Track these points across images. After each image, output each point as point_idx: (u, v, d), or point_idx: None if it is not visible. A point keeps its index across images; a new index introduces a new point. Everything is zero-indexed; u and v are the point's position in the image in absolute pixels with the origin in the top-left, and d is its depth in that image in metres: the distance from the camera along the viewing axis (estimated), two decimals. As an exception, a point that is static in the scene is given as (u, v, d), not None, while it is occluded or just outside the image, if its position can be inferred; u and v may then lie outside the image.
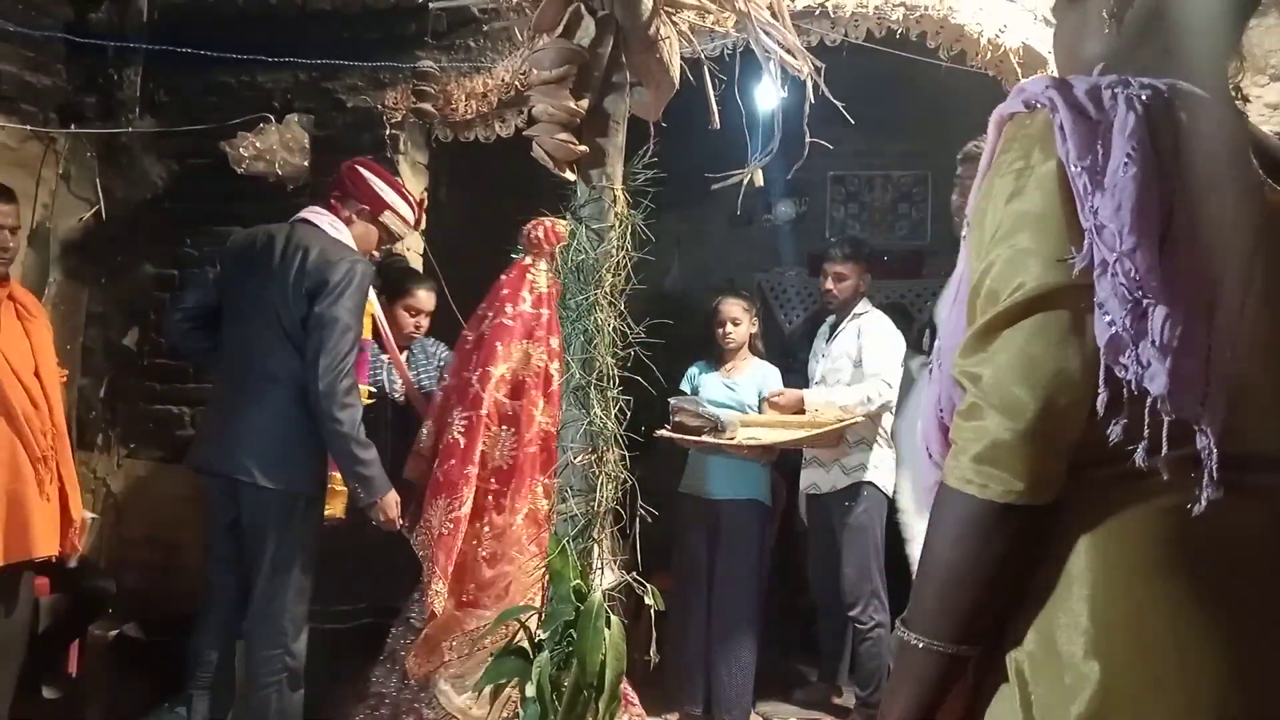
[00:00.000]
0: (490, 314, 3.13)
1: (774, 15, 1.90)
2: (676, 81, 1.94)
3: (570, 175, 1.89)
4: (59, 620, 3.69)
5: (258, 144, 4.04)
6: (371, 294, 3.41)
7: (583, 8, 1.84)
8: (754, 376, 4.01)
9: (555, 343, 2.98)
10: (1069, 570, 1.01)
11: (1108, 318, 0.96)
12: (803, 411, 3.91)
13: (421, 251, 4.09)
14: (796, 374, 4.33)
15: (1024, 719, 1.00)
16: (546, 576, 1.91)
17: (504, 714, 2.17)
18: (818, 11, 3.41)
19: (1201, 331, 0.97)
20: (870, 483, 3.90)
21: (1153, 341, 0.95)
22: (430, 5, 4.05)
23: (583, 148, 1.85)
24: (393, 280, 3.66)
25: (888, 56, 3.52)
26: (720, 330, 4.00)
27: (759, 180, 2.06)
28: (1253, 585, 1.01)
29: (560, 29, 1.84)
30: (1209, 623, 0.97)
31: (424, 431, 3.21)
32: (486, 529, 3.00)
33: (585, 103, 1.85)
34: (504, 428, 3.04)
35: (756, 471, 3.92)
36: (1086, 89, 1.02)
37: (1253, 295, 1.01)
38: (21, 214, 3.27)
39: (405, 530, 3.06)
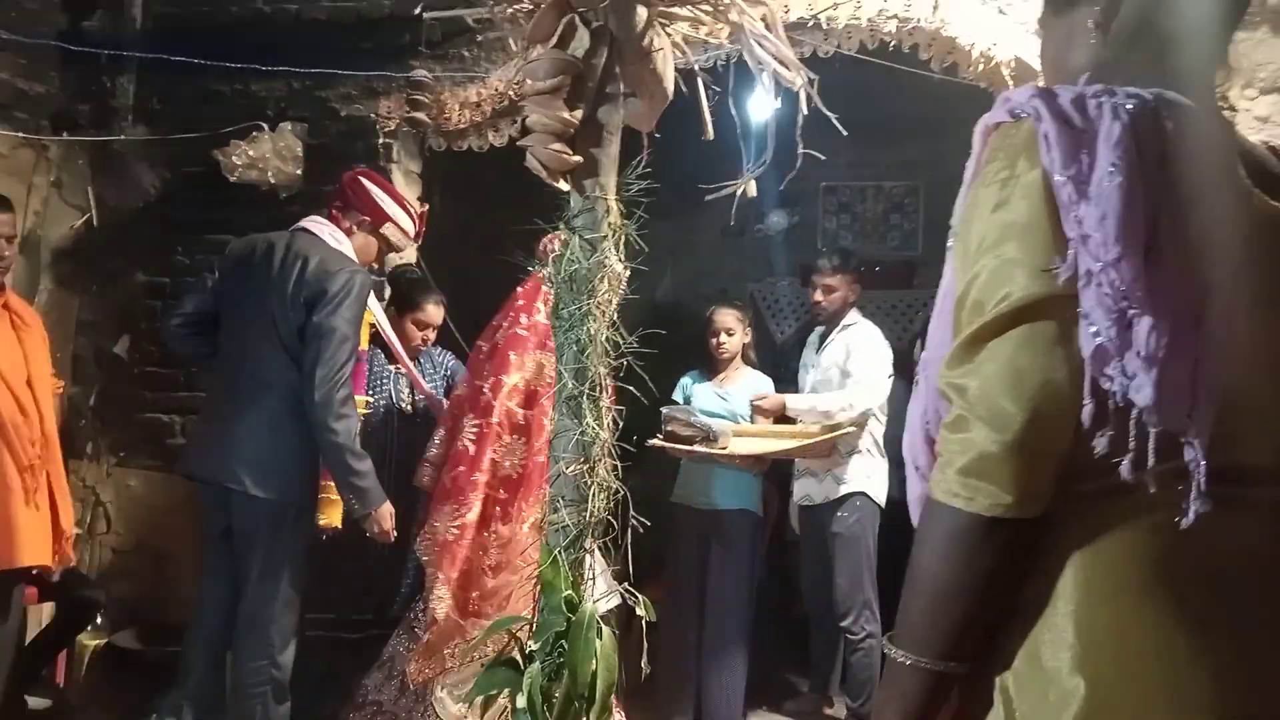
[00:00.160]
0: (505, 324, 3.14)
1: (767, 27, 1.90)
2: (670, 92, 1.95)
3: (564, 185, 1.89)
4: (47, 630, 3.66)
5: (251, 152, 4.03)
6: (375, 304, 3.42)
7: (577, 19, 1.84)
8: (746, 386, 4.01)
9: None
10: (1056, 585, 1.00)
11: (1093, 328, 0.95)
12: (788, 419, 3.92)
13: (415, 260, 4.08)
14: (788, 384, 4.33)
15: None
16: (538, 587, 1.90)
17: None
18: (811, 23, 3.43)
19: (1188, 342, 0.96)
20: (862, 493, 3.90)
21: (1138, 352, 0.94)
22: (424, 15, 4.05)
23: (576, 158, 1.85)
24: (402, 293, 3.67)
25: (880, 68, 3.53)
26: (714, 340, 4.01)
27: (752, 191, 2.06)
28: (1243, 601, 0.99)
29: (554, 39, 1.84)
30: (1197, 639, 0.96)
31: (436, 439, 3.20)
32: (493, 537, 2.99)
33: (579, 113, 1.85)
34: (515, 437, 3.04)
35: (748, 482, 3.92)
36: (1072, 98, 1.01)
37: (1242, 305, 1.00)
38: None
39: (413, 537, 3.06)
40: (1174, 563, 0.98)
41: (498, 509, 2.99)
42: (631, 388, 1.94)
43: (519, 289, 3.18)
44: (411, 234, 3.24)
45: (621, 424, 1.93)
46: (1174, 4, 1.10)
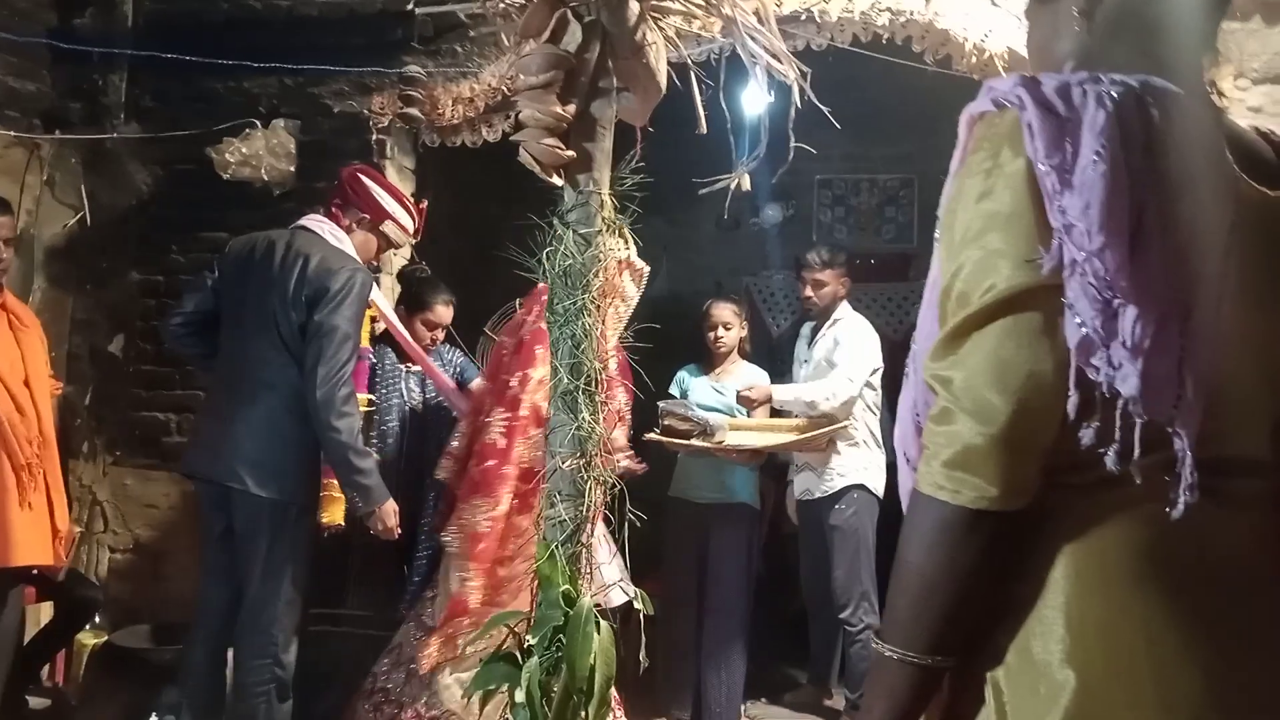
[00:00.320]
0: (529, 319, 3.14)
1: (760, 20, 1.90)
2: (663, 86, 1.95)
3: (557, 180, 1.89)
4: (46, 629, 3.67)
5: (244, 149, 4.03)
6: (384, 302, 3.43)
7: (569, 13, 1.84)
8: (743, 380, 4.01)
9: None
10: (1045, 578, 0.99)
11: (1078, 319, 0.94)
12: (776, 410, 3.93)
13: (409, 257, 4.08)
14: (783, 377, 4.34)
15: None
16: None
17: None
18: (804, 17, 3.42)
19: (1174, 332, 0.95)
20: (860, 485, 3.91)
21: (1123, 342, 0.93)
22: (417, 10, 4.05)
23: (570, 153, 1.85)
24: (412, 293, 3.68)
25: (874, 61, 3.53)
26: (711, 334, 4.01)
27: (746, 184, 2.06)
28: (1232, 593, 0.99)
29: (547, 34, 1.84)
30: (1186, 631, 0.95)
31: (457, 433, 3.21)
32: (511, 529, 3.00)
33: (572, 108, 1.85)
34: (541, 430, 3.04)
35: (745, 475, 3.92)
36: (1056, 86, 1.00)
37: (1229, 294, 0.98)
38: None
39: (433, 529, 3.09)
40: (1164, 554, 0.97)
41: (515, 501, 3.00)
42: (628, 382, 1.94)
43: (541, 284, 3.19)
44: (411, 231, 3.23)
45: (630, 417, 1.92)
46: None
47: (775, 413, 4.01)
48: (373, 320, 3.42)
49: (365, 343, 3.27)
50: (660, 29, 1.92)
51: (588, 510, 1.86)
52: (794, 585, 4.35)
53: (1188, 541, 0.97)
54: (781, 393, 3.92)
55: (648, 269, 3.18)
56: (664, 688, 3.84)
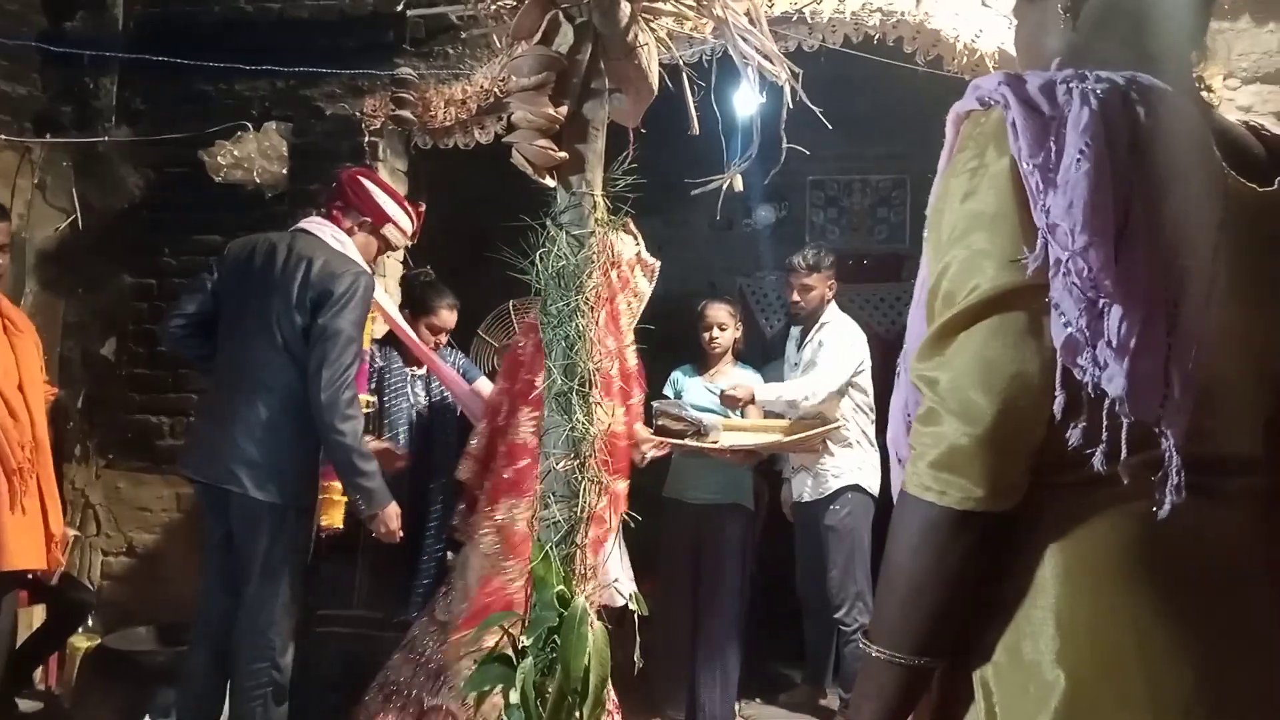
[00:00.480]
0: None
1: (752, 21, 1.90)
2: (655, 87, 1.95)
3: (550, 181, 1.89)
4: (38, 632, 3.66)
5: (235, 152, 4.02)
6: (391, 306, 3.43)
7: (561, 15, 1.84)
8: (736, 380, 4.02)
9: (612, 344, 2.98)
10: (1035, 579, 0.99)
11: (1063, 318, 0.93)
12: (768, 412, 3.94)
13: (402, 259, 4.08)
14: (776, 378, 4.34)
15: None
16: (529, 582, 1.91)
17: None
18: (795, 18, 3.43)
19: (1161, 331, 0.94)
20: (855, 485, 3.92)
21: (1109, 342, 0.92)
22: (408, 12, 4.04)
23: (562, 154, 1.85)
24: (416, 297, 3.69)
25: (865, 62, 3.54)
26: (707, 335, 4.02)
27: (738, 185, 2.07)
28: (1222, 592, 0.98)
29: (538, 36, 1.84)
30: (1176, 631, 0.95)
31: (475, 434, 3.21)
32: None
33: (564, 109, 1.85)
34: None
35: (740, 476, 3.93)
36: (1040, 84, 0.99)
37: (1218, 291, 0.98)
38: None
39: (455, 530, 3.12)
40: (1153, 553, 0.97)
41: None
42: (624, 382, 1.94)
43: None
44: (409, 233, 3.23)
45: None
46: None
47: (770, 414, 4.02)
48: (371, 321, 3.42)
49: (364, 344, 3.28)
50: (652, 30, 1.93)
51: (582, 511, 1.86)
52: (789, 584, 4.35)
53: (1177, 540, 0.97)
54: (764, 393, 3.92)
55: (658, 264, 3.19)
56: (659, 688, 3.84)
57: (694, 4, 1.93)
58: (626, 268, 3.07)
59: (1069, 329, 0.93)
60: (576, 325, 1.85)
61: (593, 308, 1.88)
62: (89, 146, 4.34)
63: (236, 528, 2.89)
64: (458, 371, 3.73)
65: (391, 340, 3.66)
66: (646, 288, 3.18)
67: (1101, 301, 0.93)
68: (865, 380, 4.01)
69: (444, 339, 3.72)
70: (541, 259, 1.88)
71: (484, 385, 3.62)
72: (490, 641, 2.88)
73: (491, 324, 4.24)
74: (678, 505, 3.93)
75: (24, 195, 4.34)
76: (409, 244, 3.36)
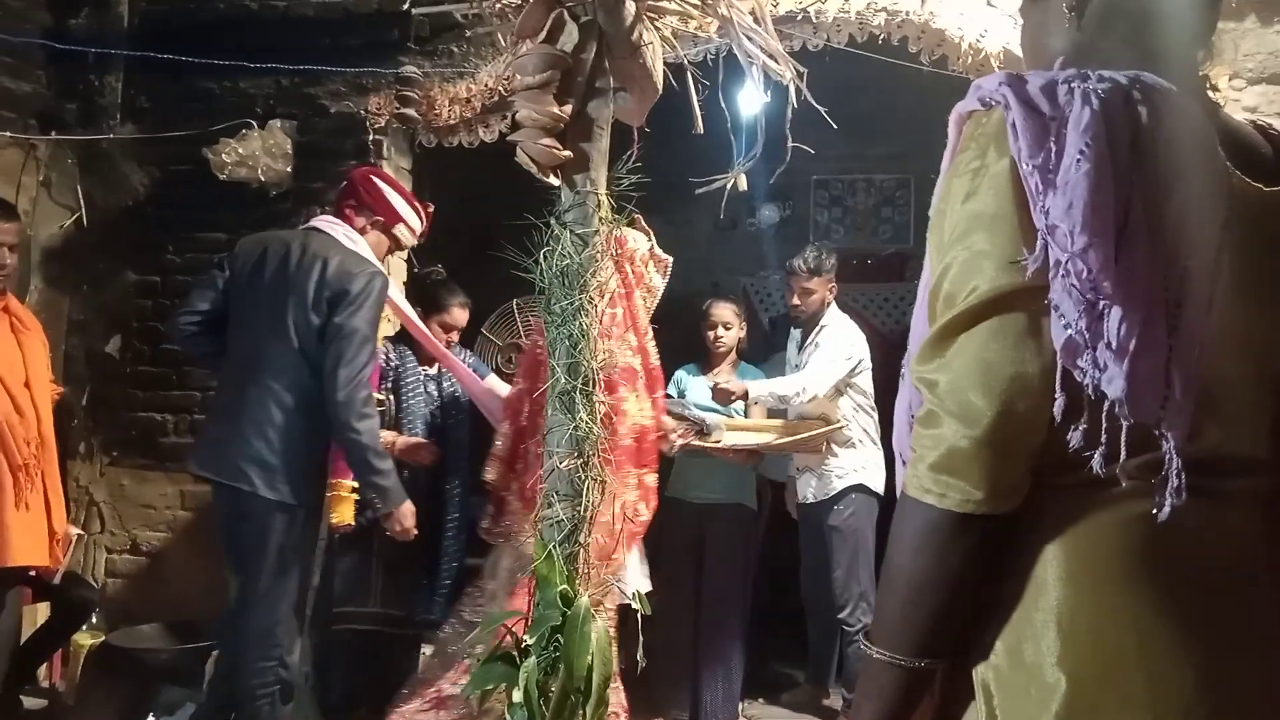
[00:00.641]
0: None
1: (756, 21, 1.90)
2: (660, 86, 1.95)
3: (554, 180, 1.89)
4: (42, 629, 3.66)
5: (240, 150, 4.02)
6: (406, 304, 3.43)
7: (566, 13, 1.84)
8: (740, 380, 4.02)
9: (633, 339, 2.98)
10: (1036, 581, 0.98)
11: (1063, 320, 0.93)
12: (771, 412, 3.93)
13: (405, 258, 4.08)
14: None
15: None
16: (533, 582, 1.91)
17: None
18: (800, 17, 3.43)
19: (1161, 332, 0.93)
20: (860, 485, 3.92)
21: (1108, 343, 0.91)
22: (413, 10, 4.05)
23: (566, 153, 1.85)
24: (429, 296, 3.70)
25: (870, 61, 3.53)
26: (711, 334, 4.01)
27: (743, 185, 2.07)
28: (1224, 593, 0.98)
29: (543, 34, 1.84)
30: (1178, 633, 0.94)
31: (498, 435, 3.21)
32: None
33: (569, 108, 1.85)
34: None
35: (742, 475, 3.93)
36: (1042, 84, 0.98)
37: (1220, 293, 0.97)
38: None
39: (483, 531, 3.14)
40: (1156, 556, 0.96)
41: None
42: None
43: None
44: (418, 233, 3.23)
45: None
46: None
47: (773, 414, 4.02)
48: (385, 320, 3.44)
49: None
50: (657, 29, 1.93)
51: (585, 510, 1.86)
52: (792, 585, 4.35)
53: (1179, 541, 0.96)
54: (756, 389, 3.92)
55: (671, 259, 3.18)
56: (662, 687, 3.84)
57: (699, 3, 1.93)
58: (640, 263, 3.07)
59: (1069, 330, 0.93)
60: (580, 324, 1.85)
61: (597, 306, 1.88)
62: (94, 144, 4.35)
63: (245, 526, 2.89)
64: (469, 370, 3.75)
65: (404, 339, 3.67)
66: (660, 283, 3.18)
67: (1101, 303, 0.92)
68: (865, 380, 4.00)
69: (455, 337, 3.72)
70: (545, 258, 1.88)
71: (495, 383, 3.63)
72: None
73: (495, 322, 4.25)
74: (680, 505, 3.92)
75: (29, 192, 4.34)
76: (419, 242, 3.36)
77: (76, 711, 3.67)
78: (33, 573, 3.21)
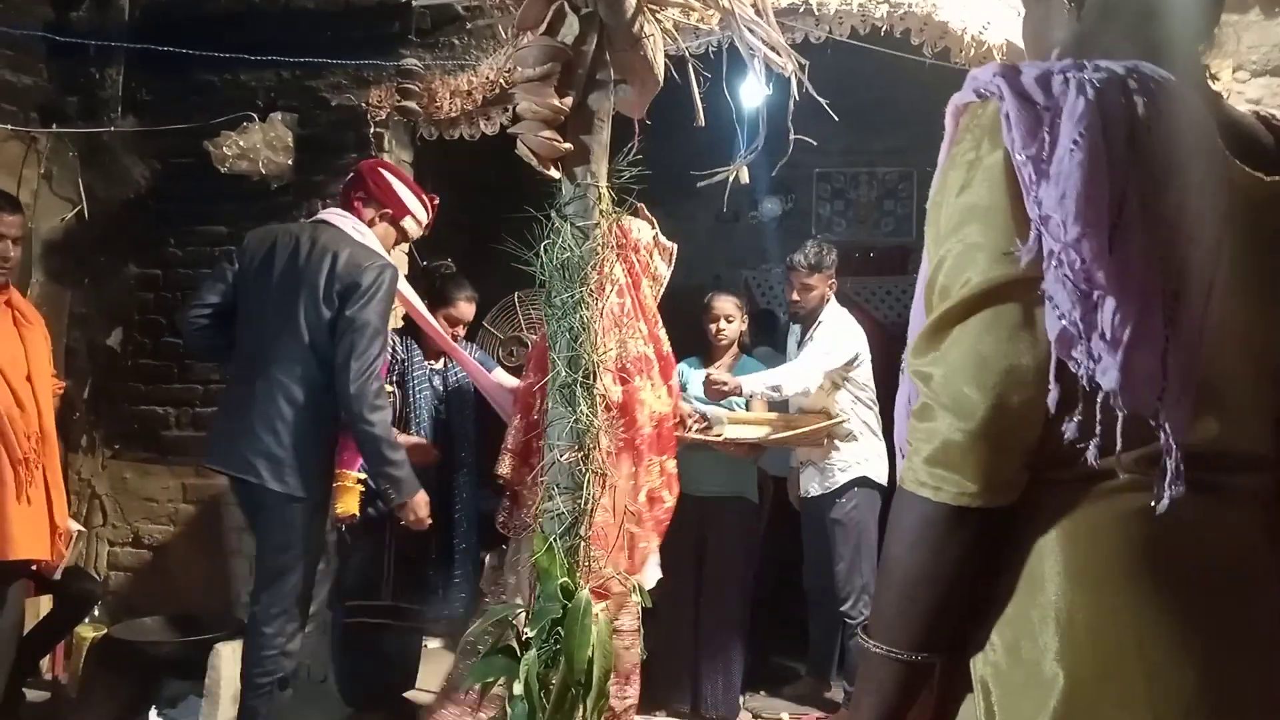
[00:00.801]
0: None
1: (758, 13, 1.90)
2: (661, 79, 1.94)
3: (555, 173, 1.89)
4: (45, 622, 3.67)
5: (241, 143, 4.02)
6: (415, 297, 3.44)
7: (566, 6, 1.84)
8: (742, 373, 4.01)
9: (644, 327, 2.98)
10: (1034, 575, 0.98)
11: (1057, 311, 0.92)
12: (773, 405, 3.93)
13: (407, 250, 4.08)
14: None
15: None
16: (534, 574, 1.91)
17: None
18: (802, 9, 3.42)
19: (1158, 323, 0.92)
20: (863, 478, 3.91)
21: (1103, 334, 0.90)
22: (414, 3, 4.04)
23: (567, 145, 1.85)
24: (436, 289, 3.70)
25: (872, 54, 3.52)
26: (713, 327, 4.01)
27: (744, 177, 2.06)
28: (1225, 590, 0.97)
29: (544, 27, 1.84)
30: (1177, 629, 0.94)
31: (510, 429, 3.21)
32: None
33: (569, 100, 1.85)
34: (612, 414, 3.03)
35: (744, 469, 3.93)
36: (1036, 75, 0.97)
37: (1219, 284, 0.96)
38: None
39: (500, 525, 3.14)
40: (1155, 551, 0.96)
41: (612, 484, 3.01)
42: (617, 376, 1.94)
43: None
44: (425, 224, 3.23)
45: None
46: None
47: (774, 408, 4.02)
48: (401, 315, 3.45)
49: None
50: (658, 21, 1.92)
51: (585, 503, 1.86)
52: (793, 577, 4.35)
53: (1180, 538, 0.95)
54: (750, 384, 3.91)
55: (675, 247, 3.17)
56: (663, 680, 3.84)
57: (700, -5, 1.92)
58: (645, 252, 3.06)
59: (1063, 321, 0.92)
60: (581, 317, 1.85)
61: (600, 299, 1.88)
62: (94, 137, 4.34)
63: (252, 517, 2.93)
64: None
65: (410, 332, 3.67)
66: (665, 271, 3.17)
67: (1095, 293, 0.91)
68: (863, 373, 4.00)
69: (462, 331, 3.73)
70: (546, 250, 1.88)
71: (502, 375, 3.63)
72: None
73: (497, 316, 4.24)
74: (682, 498, 3.92)
75: (30, 185, 4.34)
76: (425, 234, 3.36)
77: (79, 704, 3.67)
78: (34, 567, 3.22)
